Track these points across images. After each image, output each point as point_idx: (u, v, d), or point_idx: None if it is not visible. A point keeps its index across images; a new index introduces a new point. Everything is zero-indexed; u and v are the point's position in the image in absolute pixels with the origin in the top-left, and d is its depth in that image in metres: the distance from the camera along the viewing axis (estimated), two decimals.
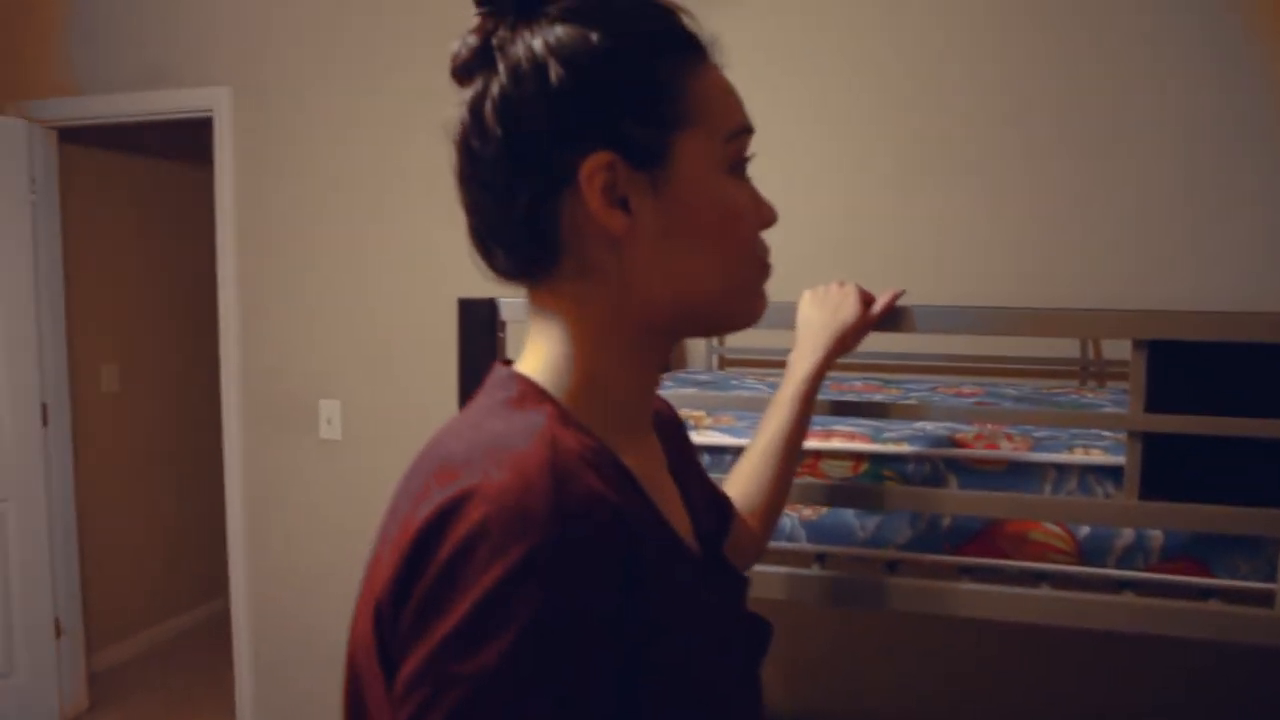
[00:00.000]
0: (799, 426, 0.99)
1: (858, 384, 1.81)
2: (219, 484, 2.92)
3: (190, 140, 3.13)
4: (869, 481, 1.15)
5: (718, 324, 0.69)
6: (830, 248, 2.14)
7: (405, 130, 2.53)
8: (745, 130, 0.65)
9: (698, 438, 1.23)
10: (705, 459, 1.23)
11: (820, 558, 1.18)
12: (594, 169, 0.59)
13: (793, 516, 1.18)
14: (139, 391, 3.73)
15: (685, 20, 0.64)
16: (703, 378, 1.92)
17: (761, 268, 0.68)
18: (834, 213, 2.15)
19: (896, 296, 1.05)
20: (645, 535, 0.56)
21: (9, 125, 2.95)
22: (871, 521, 1.15)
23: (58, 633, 3.12)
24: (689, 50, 0.63)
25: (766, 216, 0.67)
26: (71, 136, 3.19)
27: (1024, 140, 2.02)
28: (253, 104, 2.72)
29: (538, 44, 0.59)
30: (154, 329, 3.79)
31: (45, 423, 3.06)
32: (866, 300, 1.05)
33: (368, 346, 2.65)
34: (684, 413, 1.32)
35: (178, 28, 2.79)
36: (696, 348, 2.27)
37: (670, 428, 0.83)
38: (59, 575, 3.12)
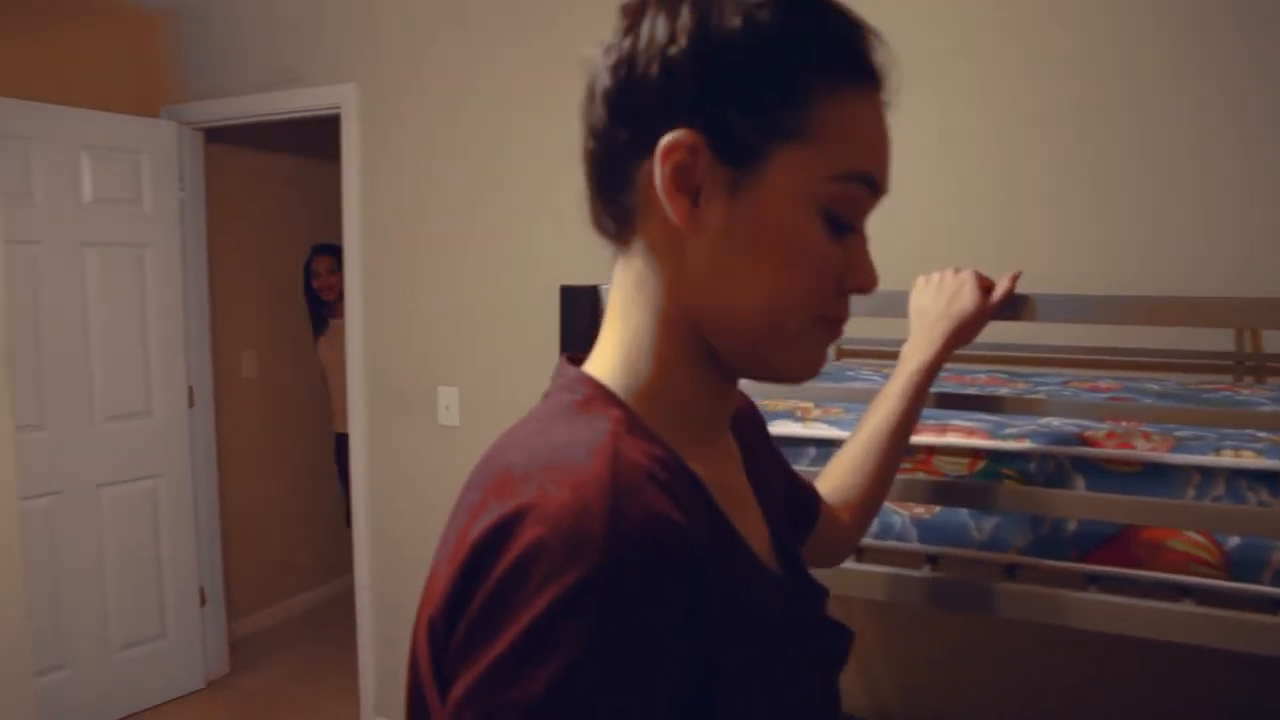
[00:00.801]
0: (907, 420, 0.94)
1: (982, 376, 1.71)
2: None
3: (323, 136, 3.26)
4: (987, 480, 1.07)
5: (754, 364, 0.61)
6: (941, 234, 2.03)
7: (522, 124, 2.56)
8: (863, 179, 0.57)
9: (803, 430, 1.18)
10: (812, 452, 1.18)
11: (932, 559, 1.11)
12: (675, 144, 0.55)
13: (903, 514, 1.12)
14: (276, 377, 3.94)
15: (865, 45, 0.57)
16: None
17: (820, 324, 0.59)
18: (946, 196, 2.04)
19: (1015, 279, 0.97)
20: (713, 552, 0.53)
21: (161, 127, 3.15)
22: (989, 523, 1.07)
23: (202, 601, 3.34)
24: (844, 71, 0.56)
25: (860, 280, 0.59)
26: (216, 136, 3.38)
27: (1152, 116, 1.86)
28: (377, 99, 2.80)
29: (685, 7, 0.56)
30: (290, 318, 3.99)
31: (191, 405, 3.27)
32: (985, 287, 0.98)
33: (484, 335, 2.70)
34: (790, 403, 1.28)
35: (310, 29, 2.91)
36: None
37: (746, 420, 0.79)
38: (203, 548, 3.33)
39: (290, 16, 2.95)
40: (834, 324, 0.61)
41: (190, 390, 3.26)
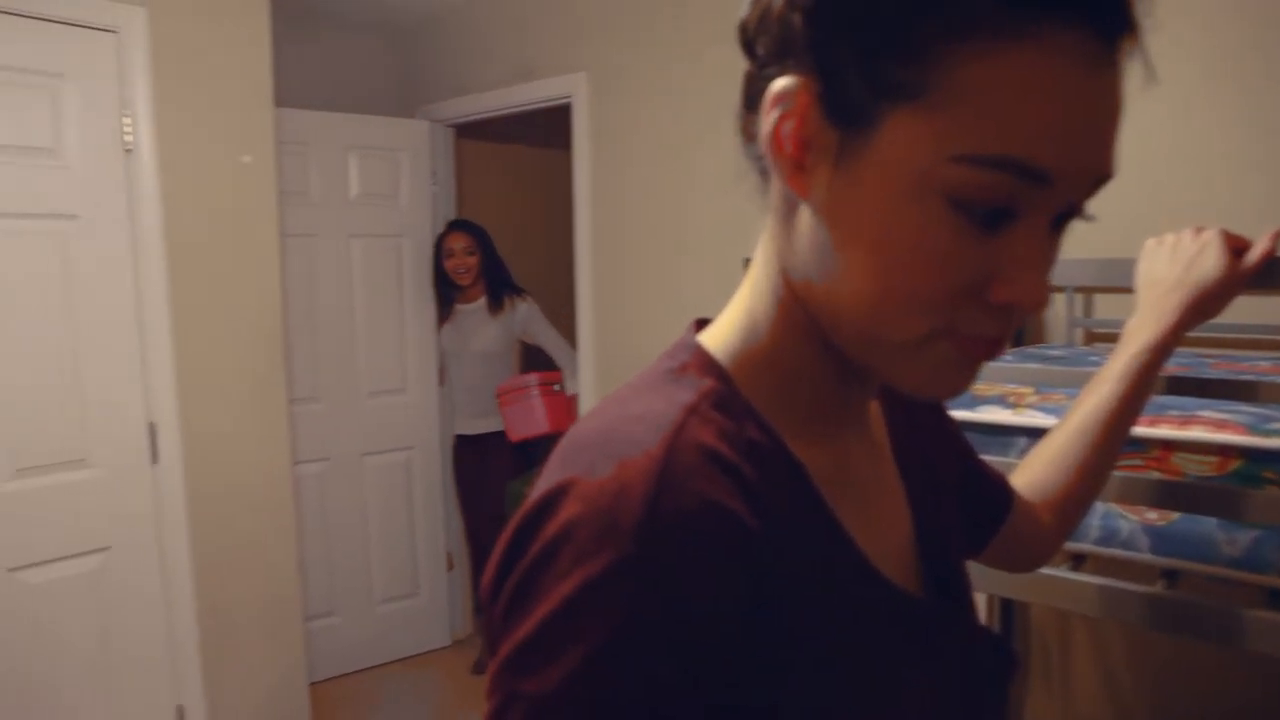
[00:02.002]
0: (1127, 407, 0.79)
1: (1263, 364, 1.44)
2: None
3: (558, 126, 3.39)
4: (1242, 484, 0.89)
5: (867, 366, 0.50)
6: (1170, 193, 1.73)
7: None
8: (1004, 164, 0.41)
9: (1012, 418, 1.05)
10: (1022, 442, 1.04)
11: (1169, 574, 0.94)
12: (782, 93, 0.46)
13: (1131, 519, 0.96)
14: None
15: None
16: (1054, 353, 1.66)
17: (950, 338, 0.46)
18: (1176, 148, 1.73)
19: (1276, 238, 0.79)
20: (792, 551, 0.46)
21: (416, 126, 3.42)
22: (1244, 535, 0.89)
23: (449, 565, 3.61)
24: (986, 12, 0.40)
25: (1011, 293, 0.44)
26: (465, 132, 3.62)
27: None
28: (606, 87, 2.86)
29: None
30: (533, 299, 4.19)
31: (441, 383, 3.53)
32: (1236, 249, 0.80)
33: (713, 312, 2.67)
34: (1005, 389, 1.14)
35: (545, 22, 3.02)
36: (1055, 317, 1.98)
37: (907, 403, 0.68)
38: (450, 516, 3.60)
39: (528, 13, 3.08)
40: (974, 344, 0.46)
41: (440, 370, 3.52)
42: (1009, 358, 1.48)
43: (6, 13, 1.97)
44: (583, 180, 2.95)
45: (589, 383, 3.03)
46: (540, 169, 4.20)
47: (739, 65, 0.53)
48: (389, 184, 3.34)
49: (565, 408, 3.31)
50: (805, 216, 0.48)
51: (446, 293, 3.44)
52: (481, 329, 3.38)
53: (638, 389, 0.52)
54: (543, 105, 3.08)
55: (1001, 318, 0.46)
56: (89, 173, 2.12)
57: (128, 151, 2.17)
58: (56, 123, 2.07)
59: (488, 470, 3.40)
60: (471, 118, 3.36)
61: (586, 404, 3.07)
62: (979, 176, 0.42)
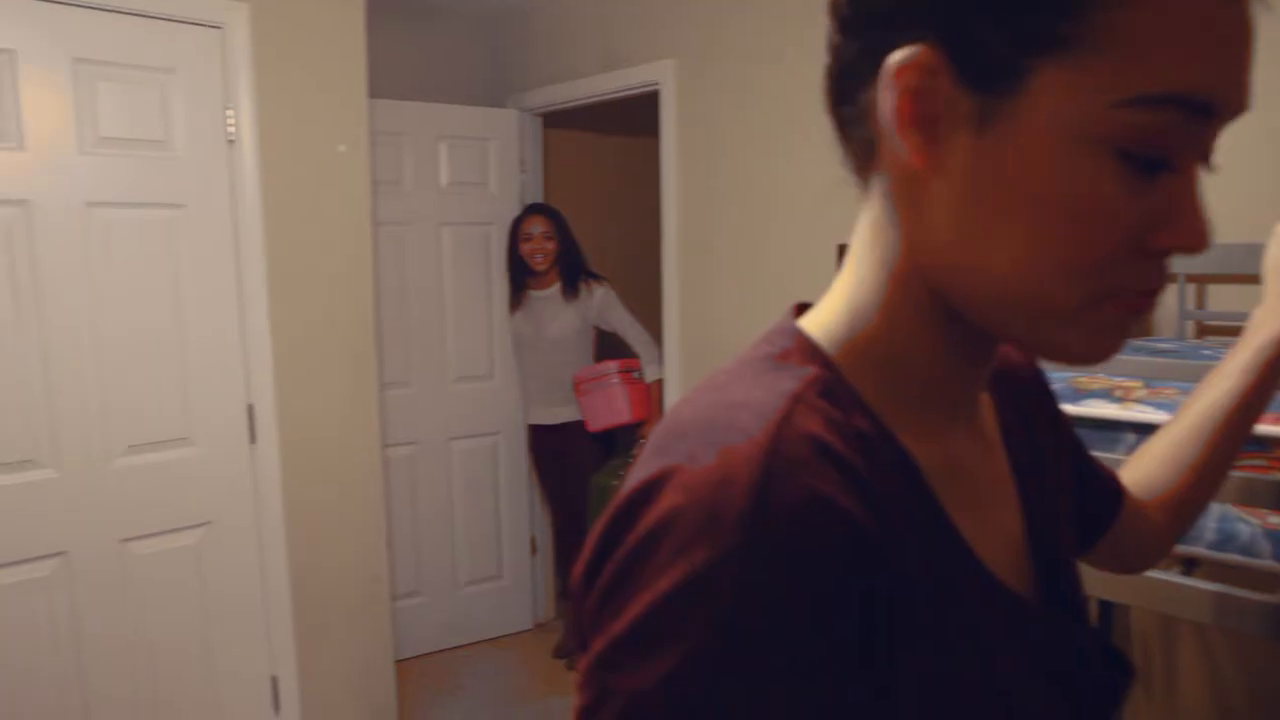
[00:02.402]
0: (1250, 403, 0.73)
1: None
2: None
3: (649, 115, 3.38)
4: None
5: (1016, 340, 0.48)
6: None
7: None
8: (1180, 100, 0.40)
9: (1119, 412, 0.99)
10: (1130, 439, 0.99)
11: None
12: (906, 64, 0.43)
13: (1252, 523, 0.89)
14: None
15: None
16: (1164, 346, 1.57)
17: (1114, 297, 0.44)
18: None
19: None
20: (904, 550, 0.43)
21: (504, 115, 3.46)
22: None
23: (532, 550, 3.65)
24: None
25: (1178, 236, 0.43)
26: (553, 121, 3.64)
27: None
28: (694, 73, 2.84)
29: None
30: (616, 288, 4.20)
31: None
32: None
33: (798, 299, 2.63)
34: (1111, 383, 1.08)
35: (634, 9, 3.01)
36: (1164, 309, 1.88)
37: (1026, 390, 0.64)
38: (534, 501, 3.64)
39: (617, 0, 3.07)
40: (1138, 298, 0.44)
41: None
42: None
43: (122, 12, 2.07)
44: (669, 167, 2.94)
45: (674, 371, 3.02)
46: (626, 157, 4.20)
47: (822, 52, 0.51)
48: (478, 172, 3.38)
49: (645, 396, 3.27)
50: (940, 191, 0.45)
51: (520, 278, 3.38)
52: (556, 315, 3.31)
53: (736, 375, 0.50)
54: (630, 93, 3.07)
55: (1161, 267, 0.44)
56: (195, 164, 2.20)
57: (230, 143, 2.25)
58: (166, 116, 2.16)
59: (568, 461, 3.37)
60: (560, 106, 3.38)
61: (671, 392, 3.06)
62: (1146, 118, 0.40)
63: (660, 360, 3.20)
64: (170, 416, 2.22)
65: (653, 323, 3.19)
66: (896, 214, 0.48)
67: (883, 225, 0.50)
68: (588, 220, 4.02)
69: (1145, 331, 1.89)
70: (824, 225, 2.52)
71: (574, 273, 3.31)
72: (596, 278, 3.34)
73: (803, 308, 0.57)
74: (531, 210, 3.35)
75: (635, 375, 3.27)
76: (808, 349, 0.50)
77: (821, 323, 0.52)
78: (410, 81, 3.34)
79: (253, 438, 2.35)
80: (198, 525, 2.29)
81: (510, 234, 3.36)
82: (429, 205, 3.28)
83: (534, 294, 3.36)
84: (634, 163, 4.14)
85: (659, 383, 3.23)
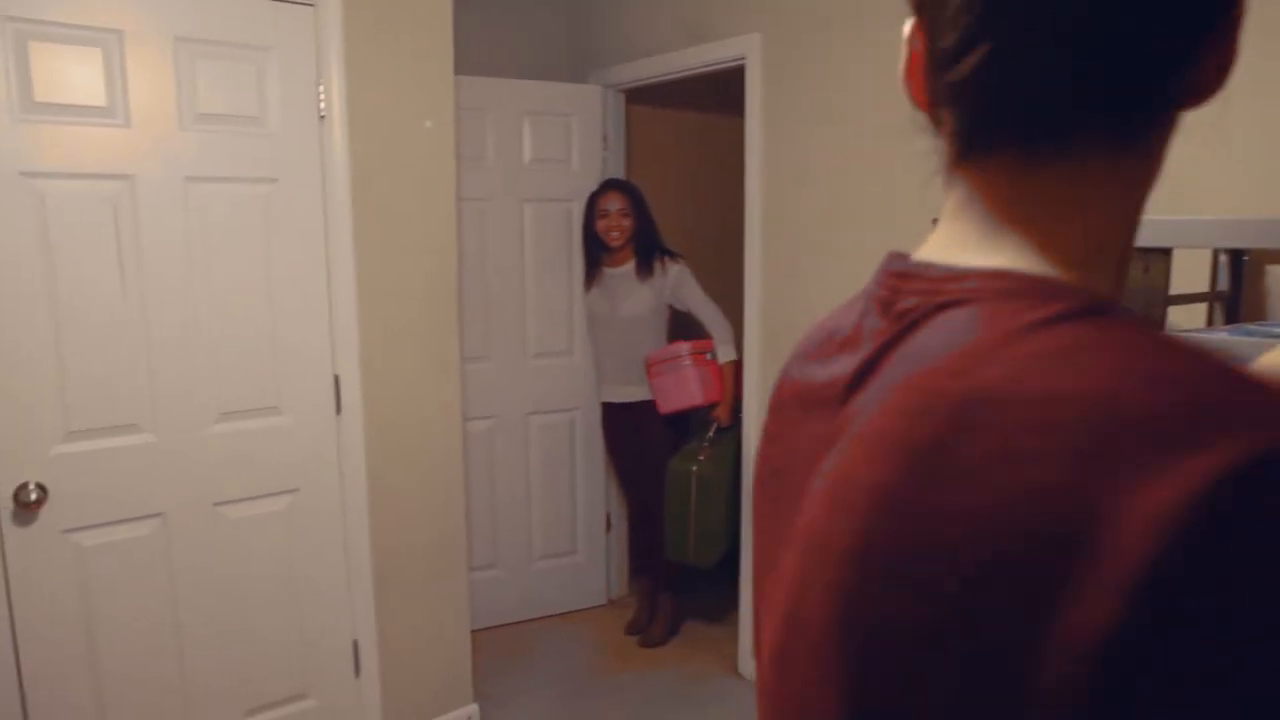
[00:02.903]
0: None
1: None
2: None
3: (733, 91, 3.33)
4: None
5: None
6: None
7: None
8: None
9: None
10: None
11: None
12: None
13: None
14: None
15: None
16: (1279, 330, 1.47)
17: None
18: None
19: None
20: None
21: (588, 91, 3.45)
22: None
23: (607, 526, 3.68)
24: None
25: None
26: (636, 97, 3.62)
27: None
28: (780, 48, 2.78)
29: None
30: (696, 267, 4.17)
31: None
32: None
33: None
34: None
35: None
36: (1277, 288, 1.76)
37: None
38: (609, 478, 3.66)
39: None
40: None
41: None
42: (1224, 331, 1.33)
43: None
44: (754, 145, 2.89)
45: (754, 352, 2.98)
46: (709, 134, 4.15)
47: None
48: (561, 149, 3.39)
49: (717, 378, 3.20)
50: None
51: (595, 254, 3.36)
52: (631, 293, 3.28)
53: (1101, 343, 0.39)
54: (715, 68, 3.02)
55: None
56: (287, 139, 2.25)
57: (321, 118, 2.29)
58: (261, 93, 2.21)
59: (641, 440, 3.35)
60: (643, 82, 3.35)
61: (752, 373, 3.02)
62: None
63: (734, 341, 3.16)
64: (261, 386, 2.29)
65: (733, 304, 3.16)
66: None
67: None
68: (668, 198, 3.99)
69: (1257, 315, 1.79)
70: (912, 207, 2.44)
71: (649, 250, 3.28)
72: (672, 255, 3.30)
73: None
74: (608, 186, 3.32)
75: (708, 356, 3.21)
76: (1106, 304, 0.42)
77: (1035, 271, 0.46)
78: (494, 58, 3.36)
79: (338, 408, 2.41)
80: (285, 492, 2.36)
81: (586, 209, 3.35)
82: (511, 181, 3.29)
83: (608, 271, 3.35)
84: (717, 140, 4.09)
85: (732, 364, 3.18)
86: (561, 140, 3.39)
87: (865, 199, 2.57)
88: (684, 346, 3.20)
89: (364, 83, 2.34)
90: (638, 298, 3.28)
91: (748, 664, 3.12)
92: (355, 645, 2.51)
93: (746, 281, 2.97)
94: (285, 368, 2.32)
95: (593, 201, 3.32)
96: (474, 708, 2.81)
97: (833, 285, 2.69)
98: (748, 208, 2.94)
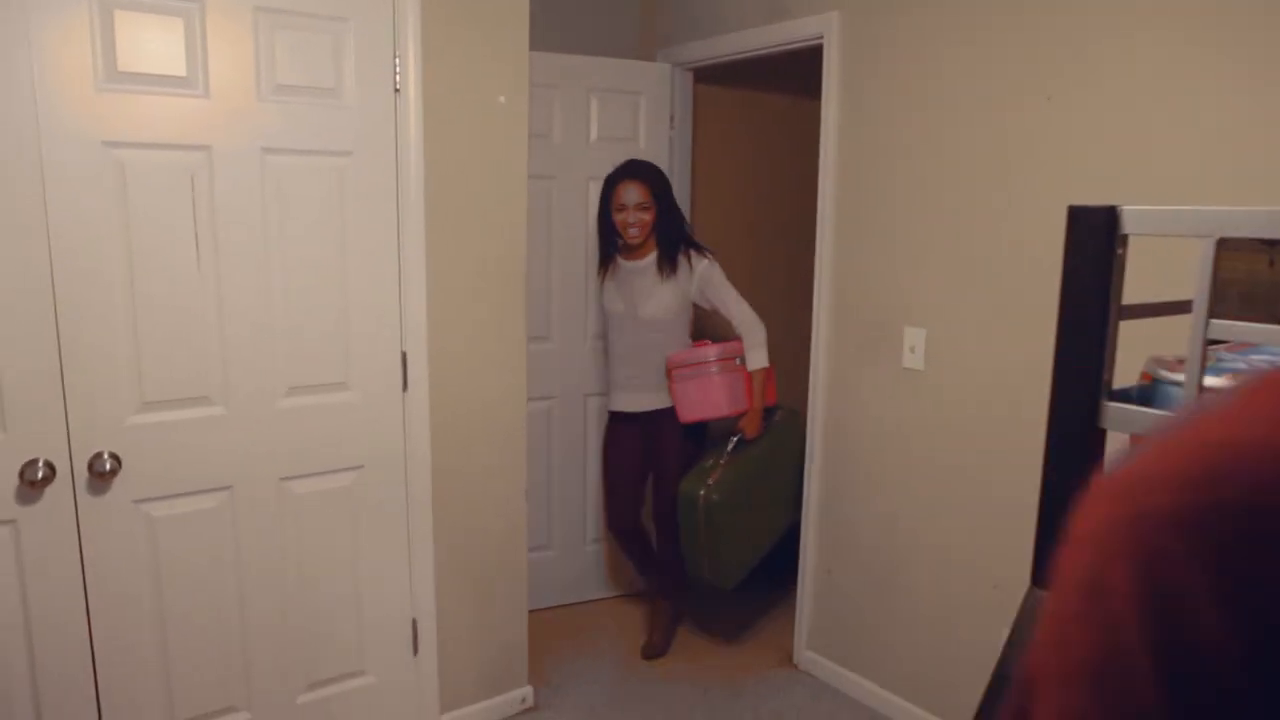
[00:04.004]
0: None
1: None
2: (801, 399, 3.05)
3: (803, 72, 3.24)
4: None
5: None
6: None
7: (1017, 45, 2.27)
8: None
9: None
10: None
11: None
12: None
13: None
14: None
15: None
16: None
17: None
18: None
19: None
20: None
21: (656, 69, 3.38)
22: None
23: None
24: None
25: None
26: (704, 76, 3.55)
27: None
28: (860, 27, 2.69)
29: None
30: (759, 252, 4.09)
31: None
32: None
33: (957, 274, 2.49)
34: None
35: None
36: None
37: None
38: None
39: None
40: None
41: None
42: None
43: None
44: (829, 129, 2.80)
45: (823, 346, 2.91)
46: (779, 117, 4.06)
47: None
48: (628, 128, 3.33)
49: (746, 386, 2.92)
50: None
51: (609, 243, 3.04)
52: (652, 293, 2.94)
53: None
54: (791, 46, 2.94)
55: None
56: (362, 112, 2.23)
57: (396, 92, 2.26)
58: (338, 65, 2.18)
59: (655, 452, 3.05)
60: (714, 60, 3.28)
61: (819, 363, 2.94)
62: None
63: (765, 345, 2.93)
64: (330, 361, 2.28)
65: (800, 293, 3.09)
66: None
67: None
68: (734, 182, 3.92)
69: None
70: (995, 195, 2.35)
71: (674, 245, 2.93)
72: (699, 249, 2.97)
73: None
74: (626, 172, 2.95)
75: (738, 362, 2.92)
76: None
77: None
78: (563, 34, 3.30)
79: (405, 385, 2.39)
80: (351, 469, 2.35)
81: (602, 194, 3.01)
82: (577, 159, 3.25)
83: (626, 264, 3.02)
84: (787, 123, 4.00)
85: (763, 371, 2.93)
86: (629, 119, 3.33)
87: (946, 186, 2.48)
88: (711, 351, 2.89)
89: (439, 57, 2.31)
90: (659, 298, 2.94)
91: (803, 655, 3.07)
92: (414, 624, 2.51)
93: (817, 269, 2.89)
94: (354, 343, 2.30)
95: (609, 187, 2.97)
96: (528, 689, 2.80)
97: (908, 276, 2.61)
98: (821, 193, 2.86)
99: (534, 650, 2.94)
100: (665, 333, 2.99)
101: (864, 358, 2.78)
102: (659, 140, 3.39)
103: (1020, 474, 2.35)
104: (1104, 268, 0.91)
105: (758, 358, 2.92)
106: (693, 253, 2.96)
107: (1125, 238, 0.92)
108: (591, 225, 3.22)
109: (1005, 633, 2.42)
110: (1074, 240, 0.93)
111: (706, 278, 2.94)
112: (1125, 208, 0.91)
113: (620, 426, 3.15)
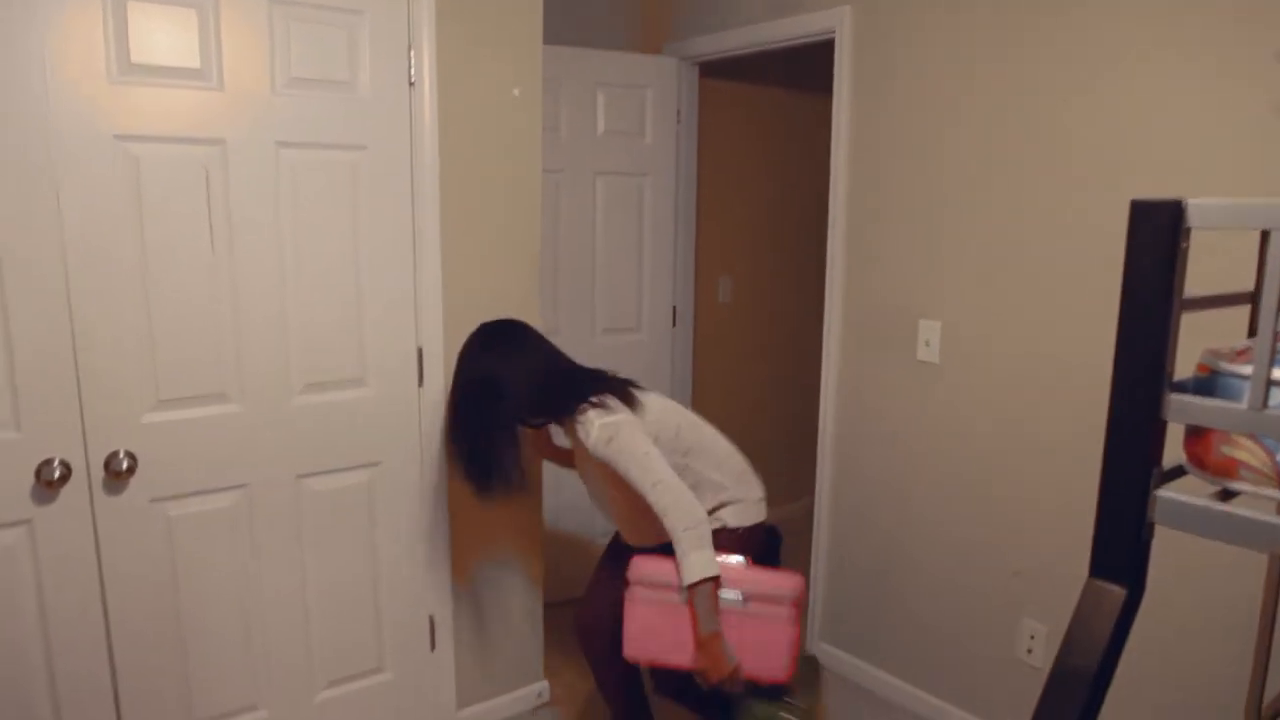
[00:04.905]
0: None
1: None
2: (812, 394, 3.06)
3: (812, 68, 3.24)
4: None
5: None
6: None
7: (1030, 39, 2.26)
8: None
9: None
10: None
11: None
12: None
13: None
14: (745, 303, 4.09)
15: None
16: None
17: None
18: None
19: None
20: None
21: (662, 64, 3.37)
22: None
23: None
24: None
25: None
26: (710, 71, 3.53)
27: None
28: (871, 22, 2.68)
29: None
30: (766, 247, 4.09)
31: (674, 324, 3.52)
32: None
33: (973, 268, 2.49)
34: None
35: None
36: None
37: None
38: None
39: None
40: None
41: (674, 310, 3.51)
42: None
43: None
44: (841, 125, 2.80)
45: (835, 348, 2.90)
46: (788, 113, 4.05)
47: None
48: (635, 122, 3.32)
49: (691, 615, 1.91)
50: None
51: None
52: (585, 457, 2.14)
53: None
54: (801, 41, 2.93)
55: None
56: (377, 105, 2.20)
57: (411, 85, 2.24)
58: (352, 58, 2.16)
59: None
60: (722, 54, 3.26)
61: (831, 362, 2.93)
62: None
63: (702, 542, 1.88)
64: (346, 356, 2.26)
65: (810, 288, 3.08)
66: None
67: None
68: (741, 179, 3.92)
69: None
70: (1010, 193, 2.35)
71: (553, 414, 2.14)
72: (589, 402, 2.04)
73: None
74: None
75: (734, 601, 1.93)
76: None
77: None
78: (568, 26, 3.28)
79: (420, 380, 2.37)
80: (368, 465, 2.33)
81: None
82: (585, 153, 3.23)
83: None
84: (796, 119, 4.00)
85: (707, 584, 1.87)
86: (635, 113, 3.31)
87: (959, 183, 2.48)
88: (670, 567, 1.93)
89: (453, 49, 2.29)
90: (591, 463, 2.13)
91: (817, 647, 3.07)
92: (431, 620, 2.50)
93: (828, 265, 2.88)
94: (369, 338, 2.29)
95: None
96: (544, 684, 2.80)
97: (923, 269, 2.60)
98: (832, 187, 2.85)
99: (549, 645, 2.93)
100: (622, 489, 2.12)
101: (878, 351, 2.78)
102: (666, 134, 3.38)
103: (1039, 465, 2.36)
104: (1168, 261, 0.91)
105: (692, 564, 1.86)
106: (579, 418, 2.02)
107: (1189, 231, 0.92)
108: (600, 218, 3.26)
109: (1027, 622, 2.44)
110: (1137, 234, 0.93)
111: (599, 453, 1.99)
112: (1190, 201, 0.91)
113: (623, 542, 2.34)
